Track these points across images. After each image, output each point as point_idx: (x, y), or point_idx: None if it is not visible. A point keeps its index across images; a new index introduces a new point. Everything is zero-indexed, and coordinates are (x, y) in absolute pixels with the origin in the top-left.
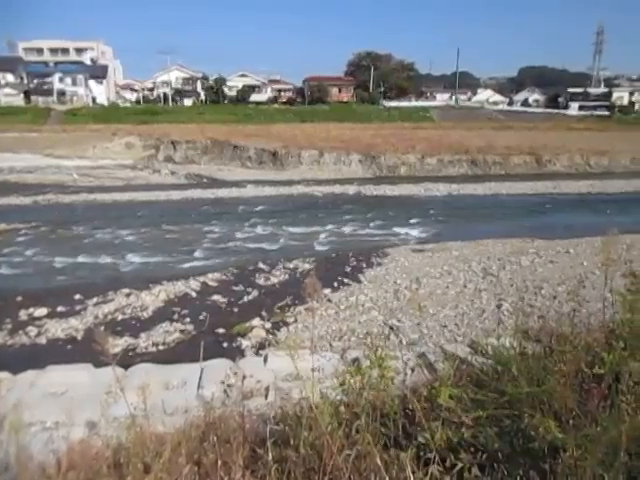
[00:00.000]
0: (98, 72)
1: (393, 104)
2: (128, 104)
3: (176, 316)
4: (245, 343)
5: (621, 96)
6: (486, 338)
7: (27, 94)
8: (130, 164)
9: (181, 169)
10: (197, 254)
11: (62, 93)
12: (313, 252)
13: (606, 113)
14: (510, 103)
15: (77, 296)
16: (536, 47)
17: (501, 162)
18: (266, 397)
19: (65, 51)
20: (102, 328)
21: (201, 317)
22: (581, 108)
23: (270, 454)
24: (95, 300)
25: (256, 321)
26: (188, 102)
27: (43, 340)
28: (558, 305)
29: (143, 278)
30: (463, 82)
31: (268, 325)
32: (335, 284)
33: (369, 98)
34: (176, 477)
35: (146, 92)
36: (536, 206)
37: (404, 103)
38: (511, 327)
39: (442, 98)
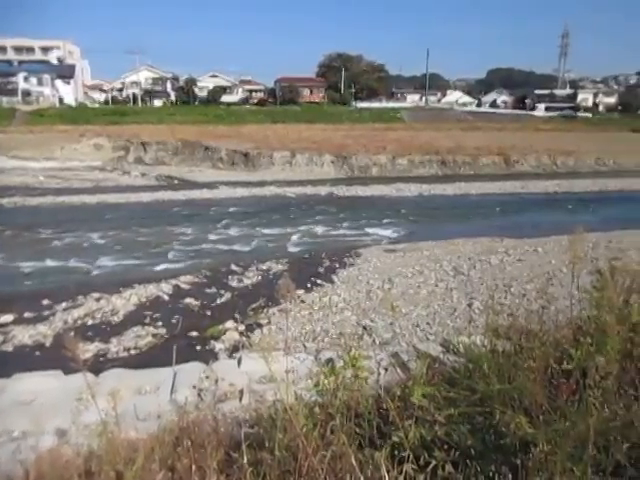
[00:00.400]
0: (65, 72)
1: (364, 105)
2: (97, 105)
3: (148, 320)
4: (218, 346)
5: (586, 97)
6: (458, 336)
7: None
8: (99, 165)
9: (151, 170)
10: (169, 256)
11: (27, 93)
12: (286, 253)
13: (572, 114)
14: (479, 104)
15: (45, 301)
16: (504, 49)
17: (470, 162)
18: (240, 400)
19: (30, 50)
20: (72, 334)
21: (174, 320)
22: (547, 109)
23: (245, 457)
24: (64, 305)
25: (229, 323)
26: (158, 103)
27: (9, 347)
28: (527, 303)
29: (114, 282)
30: (433, 83)
31: (242, 327)
32: (308, 285)
33: (340, 99)
34: None
35: (115, 92)
36: (505, 205)
37: (375, 104)
38: (482, 325)
39: (412, 99)
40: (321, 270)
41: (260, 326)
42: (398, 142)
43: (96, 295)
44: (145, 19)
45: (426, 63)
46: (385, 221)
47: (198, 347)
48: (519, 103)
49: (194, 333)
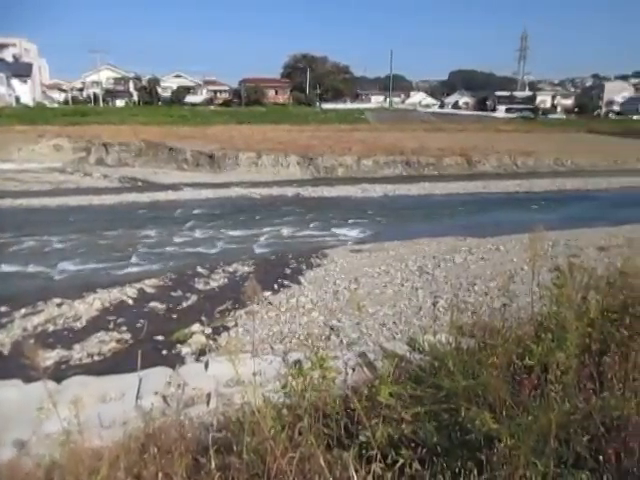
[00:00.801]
0: (21, 70)
1: (329, 106)
2: (56, 104)
3: (112, 325)
4: (185, 350)
5: (544, 99)
6: (423, 335)
7: None
8: (59, 167)
9: (114, 172)
10: (133, 260)
11: None
12: (253, 255)
13: (531, 115)
14: (441, 106)
15: (2, 308)
16: (465, 52)
17: (434, 163)
18: (208, 404)
19: None
20: (31, 341)
21: (139, 325)
22: (508, 111)
23: (213, 462)
24: (23, 312)
25: (196, 327)
26: (120, 103)
27: None
28: (490, 300)
29: (76, 286)
30: (397, 85)
31: (208, 330)
32: (275, 286)
33: (305, 100)
34: None
35: (75, 92)
36: (468, 205)
37: (340, 105)
38: (447, 323)
39: (377, 100)
40: (288, 271)
41: (227, 329)
42: (363, 143)
43: (57, 300)
44: (107, 18)
45: (390, 65)
46: (351, 221)
47: (164, 351)
48: (480, 104)
49: (160, 337)
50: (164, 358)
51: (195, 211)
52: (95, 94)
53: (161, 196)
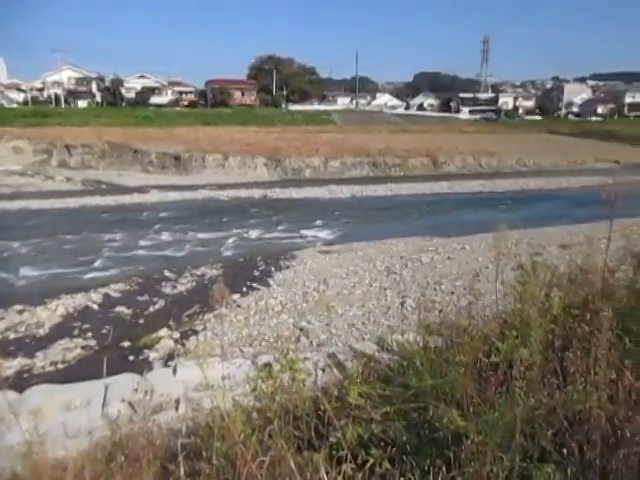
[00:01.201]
0: None
1: (296, 107)
2: (15, 105)
3: (77, 331)
4: (153, 355)
5: (506, 101)
6: (392, 335)
7: None
8: (19, 170)
9: (77, 175)
10: (98, 264)
11: None
12: (221, 258)
13: (493, 117)
14: (407, 107)
15: None
16: (430, 54)
17: (400, 164)
18: (177, 410)
19: None
20: None
21: (104, 331)
22: (471, 112)
23: (182, 469)
24: None
25: (164, 331)
26: (83, 104)
27: None
28: (457, 299)
29: (38, 292)
30: (363, 87)
31: (176, 335)
32: (244, 289)
33: (272, 101)
34: None
35: (35, 92)
36: (434, 205)
37: (307, 107)
38: (415, 322)
39: (343, 102)
40: (257, 274)
41: (196, 333)
42: (330, 144)
43: (18, 307)
44: (69, 17)
45: (356, 66)
46: (319, 223)
47: (131, 357)
48: (445, 106)
49: (126, 343)
50: (131, 364)
51: (162, 214)
52: (56, 94)
53: (126, 199)
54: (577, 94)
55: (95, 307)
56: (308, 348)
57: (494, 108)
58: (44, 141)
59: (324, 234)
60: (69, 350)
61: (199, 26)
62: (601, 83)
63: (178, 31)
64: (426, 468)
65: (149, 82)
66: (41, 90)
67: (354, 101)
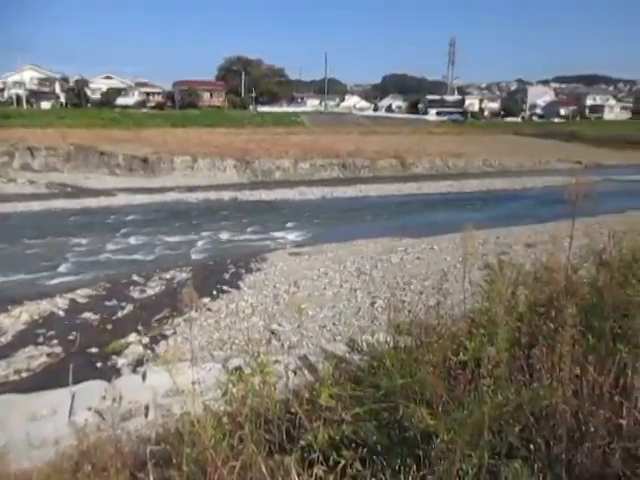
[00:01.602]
0: None
1: (265, 109)
2: None
3: (42, 338)
4: (121, 361)
5: (472, 103)
6: (362, 335)
7: None
8: None
9: (41, 178)
10: (64, 269)
11: None
12: (190, 261)
13: (460, 118)
14: (375, 109)
15: None
16: (398, 56)
17: (369, 165)
18: (146, 416)
19: None
20: None
21: (71, 337)
22: (438, 114)
23: (151, 476)
24: None
25: (132, 336)
26: (46, 105)
27: None
28: (426, 299)
29: (0, 299)
30: (331, 88)
31: (146, 340)
32: (214, 292)
33: (241, 103)
34: None
35: None
36: (403, 206)
37: (276, 108)
38: (385, 323)
39: (312, 104)
40: (227, 276)
41: (165, 337)
42: (300, 146)
43: None
44: (31, 15)
45: (325, 68)
46: (290, 225)
47: (99, 364)
48: (412, 108)
49: (94, 349)
50: (99, 371)
51: (129, 217)
52: (18, 95)
53: (93, 202)
54: (540, 96)
55: (61, 313)
56: (279, 350)
57: (461, 110)
58: (6, 143)
59: (295, 236)
60: (34, 358)
61: (166, 26)
62: (564, 85)
63: (145, 32)
64: (397, 468)
65: (115, 83)
66: (1, 90)
67: (323, 103)
